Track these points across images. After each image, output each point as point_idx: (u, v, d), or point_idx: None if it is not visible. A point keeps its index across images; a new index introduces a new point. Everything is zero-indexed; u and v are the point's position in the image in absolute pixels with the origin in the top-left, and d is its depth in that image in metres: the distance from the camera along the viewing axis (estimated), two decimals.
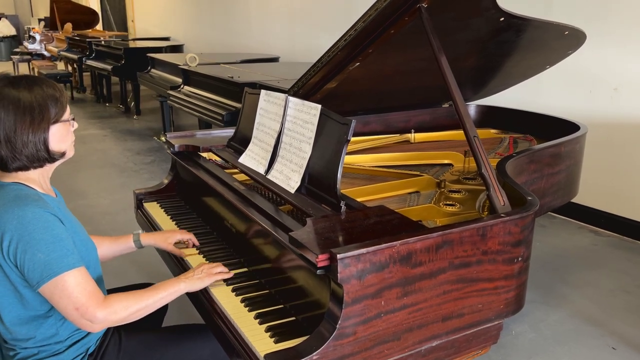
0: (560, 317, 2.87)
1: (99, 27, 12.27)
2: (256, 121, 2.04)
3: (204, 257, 1.84)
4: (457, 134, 2.89)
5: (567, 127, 2.70)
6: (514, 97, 3.47)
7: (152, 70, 6.51)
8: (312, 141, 1.71)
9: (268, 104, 1.99)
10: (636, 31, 3.62)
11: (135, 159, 5.75)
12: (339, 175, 1.57)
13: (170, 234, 1.90)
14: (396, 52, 2.15)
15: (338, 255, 1.23)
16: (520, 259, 1.52)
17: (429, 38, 1.73)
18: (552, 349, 2.61)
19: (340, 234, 1.38)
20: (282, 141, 1.86)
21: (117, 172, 5.26)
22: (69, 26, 10.55)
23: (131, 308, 1.44)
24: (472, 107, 3.19)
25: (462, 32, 2.10)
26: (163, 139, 6.47)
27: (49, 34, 11.07)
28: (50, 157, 1.47)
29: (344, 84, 2.30)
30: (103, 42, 8.55)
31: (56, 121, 1.46)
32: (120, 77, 7.66)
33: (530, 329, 2.76)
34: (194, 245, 1.91)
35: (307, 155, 1.72)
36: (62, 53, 9.66)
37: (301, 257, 1.35)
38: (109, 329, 1.60)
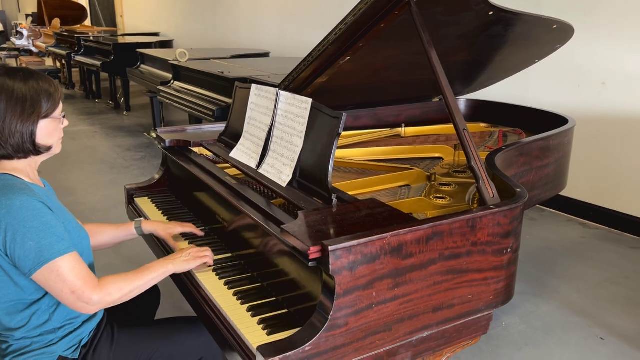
0: (550, 309, 2.91)
1: (87, 22, 12.18)
2: (247, 115, 2.05)
3: None
4: (447, 128, 2.91)
5: (555, 120, 2.72)
6: (503, 91, 3.50)
7: (142, 66, 6.48)
8: (303, 135, 1.72)
9: (259, 98, 2.00)
10: (624, 25, 3.66)
11: (125, 155, 5.72)
12: (330, 169, 1.58)
13: (172, 226, 1.92)
14: (386, 46, 2.16)
15: (330, 247, 1.24)
16: (509, 250, 1.54)
17: (418, 32, 1.74)
18: (542, 340, 2.64)
19: (331, 226, 1.39)
20: (274, 135, 1.87)
21: (107, 169, 5.24)
22: (57, 22, 10.46)
23: (124, 289, 1.47)
24: (462, 102, 3.21)
25: (452, 26, 2.11)
26: (153, 135, 6.43)
27: (37, 30, 10.97)
28: (36, 150, 1.49)
29: (335, 79, 2.30)
30: (92, 38, 8.48)
31: (46, 116, 1.48)
32: (110, 73, 7.61)
33: (520, 321, 2.79)
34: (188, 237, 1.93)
35: (299, 149, 1.73)
36: (50, 49, 9.59)
37: (293, 250, 1.36)
38: (101, 321, 1.61)
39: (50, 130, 1.50)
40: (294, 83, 2.28)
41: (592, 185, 4.02)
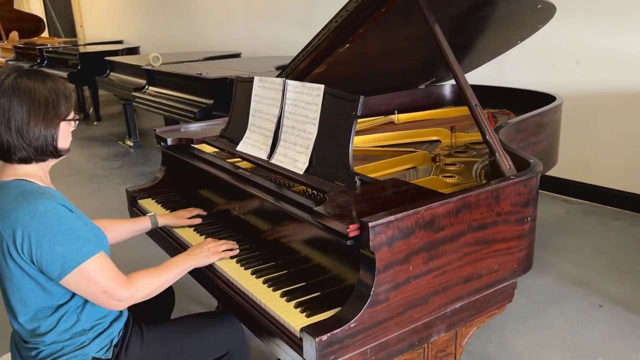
0: (547, 282, 2.99)
1: (45, 34, 11.85)
2: (252, 108, 2.04)
3: None
4: (439, 113, 2.97)
5: (541, 98, 2.81)
6: (480, 75, 3.56)
7: (112, 73, 6.36)
8: (317, 122, 1.73)
9: (264, 90, 2.00)
10: (596, 4, 3.79)
11: (103, 164, 5.61)
12: (350, 152, 1.60)
13: (179, 213, 2.02)
14: (383, 32, 2.18)
15: (370, 224, 1.26)
16: (529, 218, 1.59)
17: (423, 12, 1.77)
18: (544, 312, 2.72)
19: (363, 205, 1.41)
20: (284, 125, 1.87)
21: (86, 179, 5.13)
22: (14, 35, 10.17)
23: (152, 285, 1.50)
24: (447, 87, 3.27)
25: (448, 8, 2.14)
26: (129, 143, 6.35)
27: None
28: (57, 153, 1.48)
29: (330, 69, 2.32)
30: (53, 49, 8.27)
31: (64, 118, 1.47)
32: (77, 83, 7.44)
33: (520, 296, 2.86)
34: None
35: (313, 136, 1.73)
36: (10, 63, 9.30)
37: (328, 231, 1.38)
38: (128, 320, 1.60)
39: (67, 133, 1.50)
40: (291, 75, 2.29)
41: (572, 162, 4.14)
